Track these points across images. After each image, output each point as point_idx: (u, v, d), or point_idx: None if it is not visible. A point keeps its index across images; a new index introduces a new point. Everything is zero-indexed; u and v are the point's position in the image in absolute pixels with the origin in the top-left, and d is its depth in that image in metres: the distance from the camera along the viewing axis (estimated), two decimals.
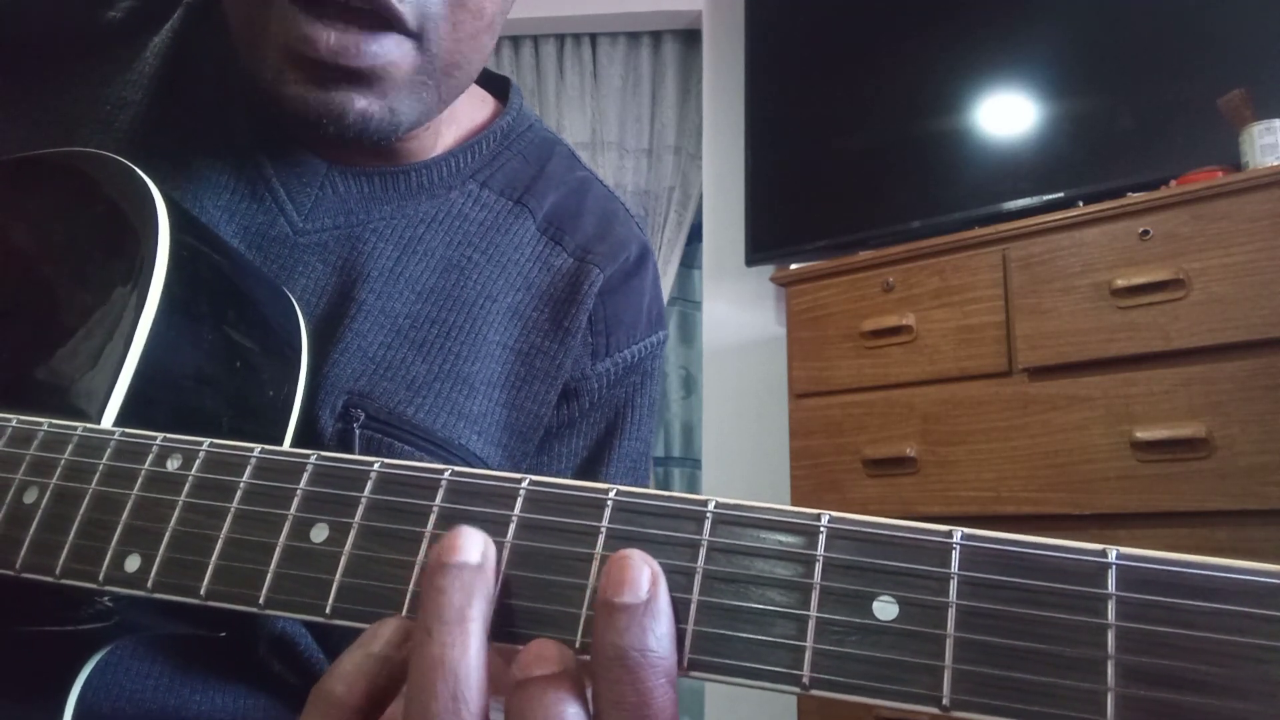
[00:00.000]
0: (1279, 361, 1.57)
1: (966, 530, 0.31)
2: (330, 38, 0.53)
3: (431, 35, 0.56)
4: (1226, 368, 1.61)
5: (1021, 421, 1.81)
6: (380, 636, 0.34)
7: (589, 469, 0.70)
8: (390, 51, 0.55)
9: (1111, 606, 0.28)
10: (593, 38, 3.28)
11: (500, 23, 0.63)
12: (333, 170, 0.65)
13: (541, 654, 0.32)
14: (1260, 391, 1.57)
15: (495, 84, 0.78)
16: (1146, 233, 1.73)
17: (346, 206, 0.65)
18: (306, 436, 0.58)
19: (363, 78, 0.55)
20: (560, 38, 3.28)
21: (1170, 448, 1.63)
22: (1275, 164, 1.69)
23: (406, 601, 0.35)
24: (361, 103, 0.56)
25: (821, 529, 0.32)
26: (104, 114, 0.63)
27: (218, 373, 0.53)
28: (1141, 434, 1.65)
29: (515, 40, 3.30)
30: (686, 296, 3.35)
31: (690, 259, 3.27)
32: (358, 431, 0.60)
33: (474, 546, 0.33)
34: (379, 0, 0.53)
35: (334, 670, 0.34)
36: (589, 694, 0.32)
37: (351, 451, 0.58)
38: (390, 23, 0.54)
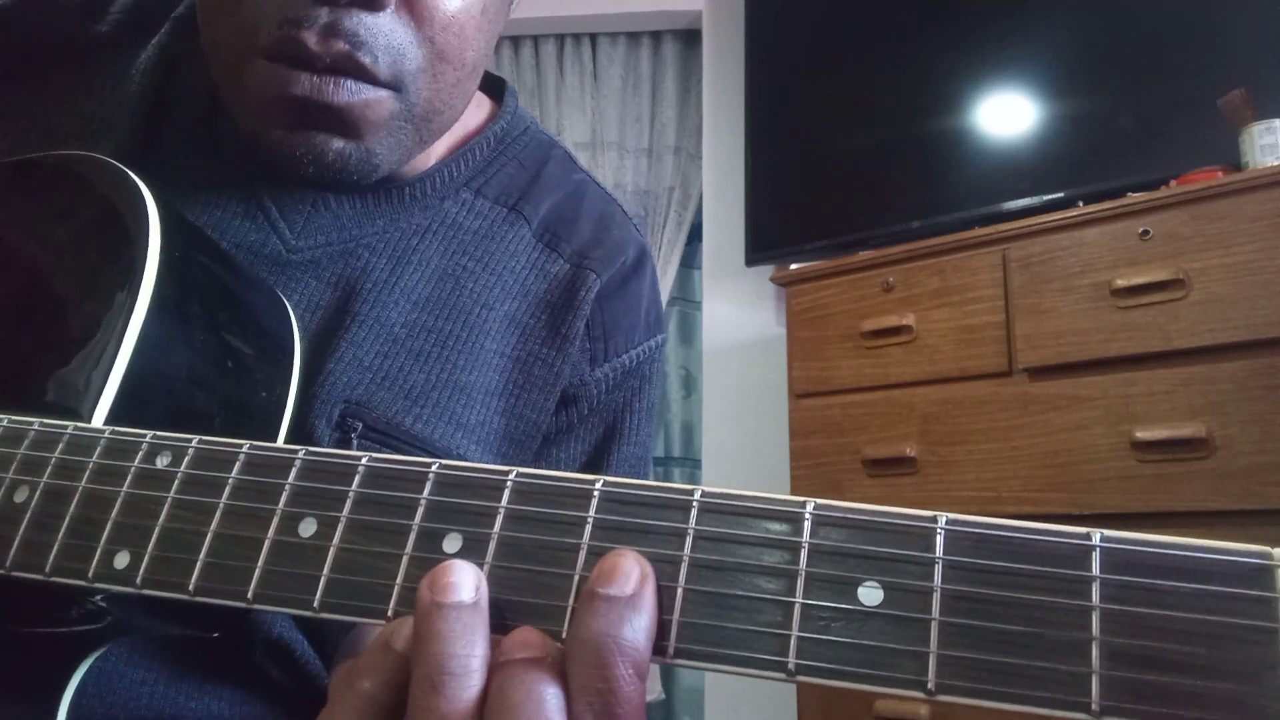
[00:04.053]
0: (1279, 361, 1.56)
1: (951, 515, 0.31)
2: (309, 79, 0.54)
3: (411, 87, 0.57)
4: (1226, 368, 1.60)
5: (1021, 421, 1.81)
6: (401, 635, 0.34)
7: (588, 472, 0.69)
8: (366, 94, 0.55)
9: (1096, 589, 0.28)
10: (593, 38, 3.28)
11: (483, 66, 0.63)
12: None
13: (525, 640, 0.33)
14: (1260, 391, 1.57)
15: (491, 85, 0.78)
16: (1146, 233, 1.72)
17: (339, 223, 0.65)
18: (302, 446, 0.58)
19: (340, 119, 0.56)
20: (560, 38, 3.28)
21: (1170, 448, 1.62)
22: (1275, 164, 1.69)
23: (394, 595, 0.35)
24: (339, 144, 0.57)
25: (807, 516, 0.32)
26: (90, 131, 0.63)
27: (209, 373, 0.53)
28: (1141, 434, 1.65)
29: (515, 40, 3.30)
30: (686, 296, 3.35)
31: (690, 259, 3.27)
32: (355, 441, 0.60)
33: (467, 583, 0.33)
34: (352, 61, 0.54)
35: (358, 666, 0.35)
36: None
37: None
38: (367, 77, 0.55)
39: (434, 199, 0.68)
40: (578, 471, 0.68)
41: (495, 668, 0.33)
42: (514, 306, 0.68)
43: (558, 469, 0.67)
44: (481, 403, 0.65)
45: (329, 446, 0.59)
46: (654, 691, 2.96)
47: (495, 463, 0.65)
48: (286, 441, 0.56)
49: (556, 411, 0.69)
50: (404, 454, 0.60)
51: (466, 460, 0.62)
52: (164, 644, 0.57)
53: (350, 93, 0.55)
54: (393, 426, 0.61)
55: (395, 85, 0.56)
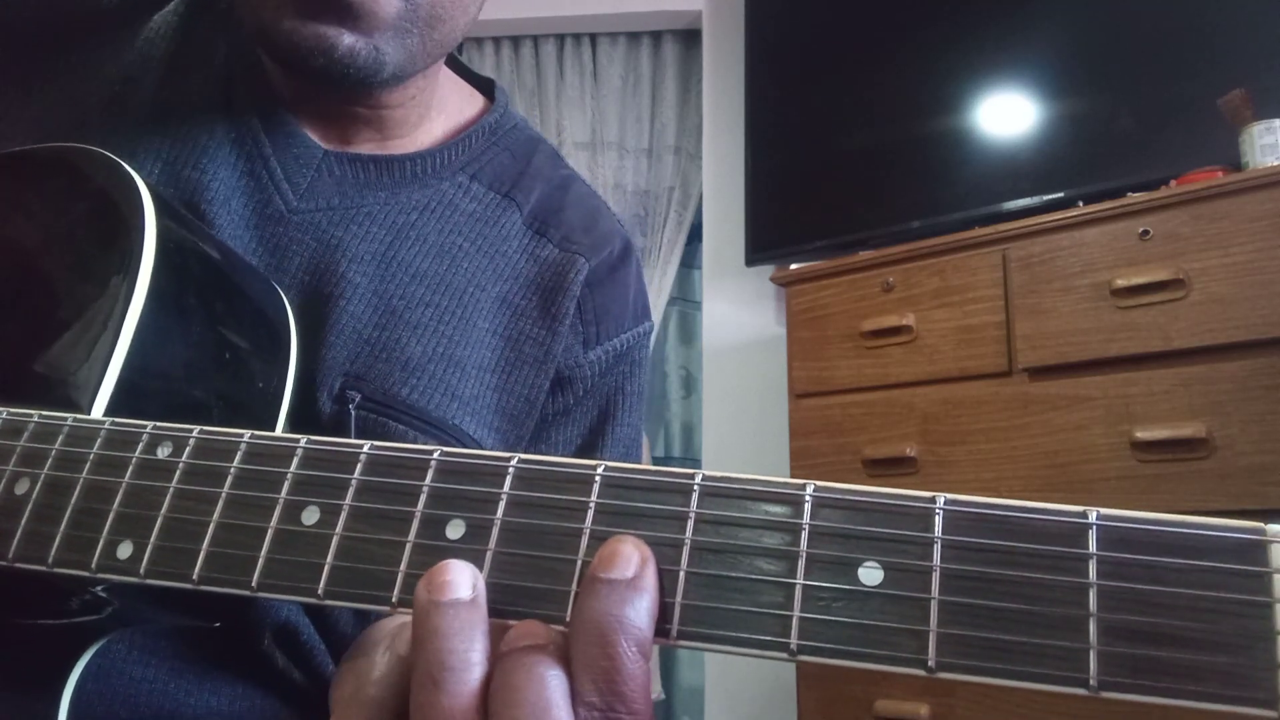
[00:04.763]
0: (1279, 362, 1.57)
1: (949, 495, 0.31)
2: None
3: None
4: (1226, 368, 1.61)
5: (1021, 421, 1.81)
6: (403, 639, 0.34)
7: (584, 455, 0.72)
8: None
9: (1093, 566, 0.29)
10: (593, 38, 3.28)
11: None
12: (329, 155, 0.67)
13: (528, 630, 0.33)
14: (1260, 391, 1.57)
15: (481, 85, 0.81)
16: (1146, 233, 1.73)
17: (341, 189, 0.67)
18: (304, 419, 0.59)
19: (349, 12, 0.58)
20: (560, 38, 3.29)
21: (1170, 448, 1.63)
22: (1275, 164, 1.69)
23: (398, 582, 0.35)
24: (349, 39, 0.59)
25: (807, 498, 0.32)
26: (114, 93, 0.66)
27: (207, 364, 0.53)
28: (1141, 434, 1.65)
29: (515, 40, 3.30)
30: (686, 296, 3.35)
31: (690, 259, 3.27)
32: (353, 413, 0.61)
33: (464, 581, 0.33)
34: None
35: (367, 675, 0.35)
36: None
37: (348, 432, 0.60)
38: None
39: (432, 179, 0.70)
40: (575, 451, 0.71)
41: (498, 658, 0.33)
42: (505, 288, 0.70)
43: (557, 449, 0.70)
44: (475, 378, 0.67)
45: (328, 418, 0.61)
46: (654, 691, 2.96)
47: (489, 436, 0.67)
48: (288, 415, 0.57)
49: (552, 394, 0.71)
50: (401, 424, 0.61)
51: (463, 431, 0.64)
52: (164, 640, 0.57)
53: None
54: (390, 398, 0.62)
55: None
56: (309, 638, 0.61)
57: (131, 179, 0.53)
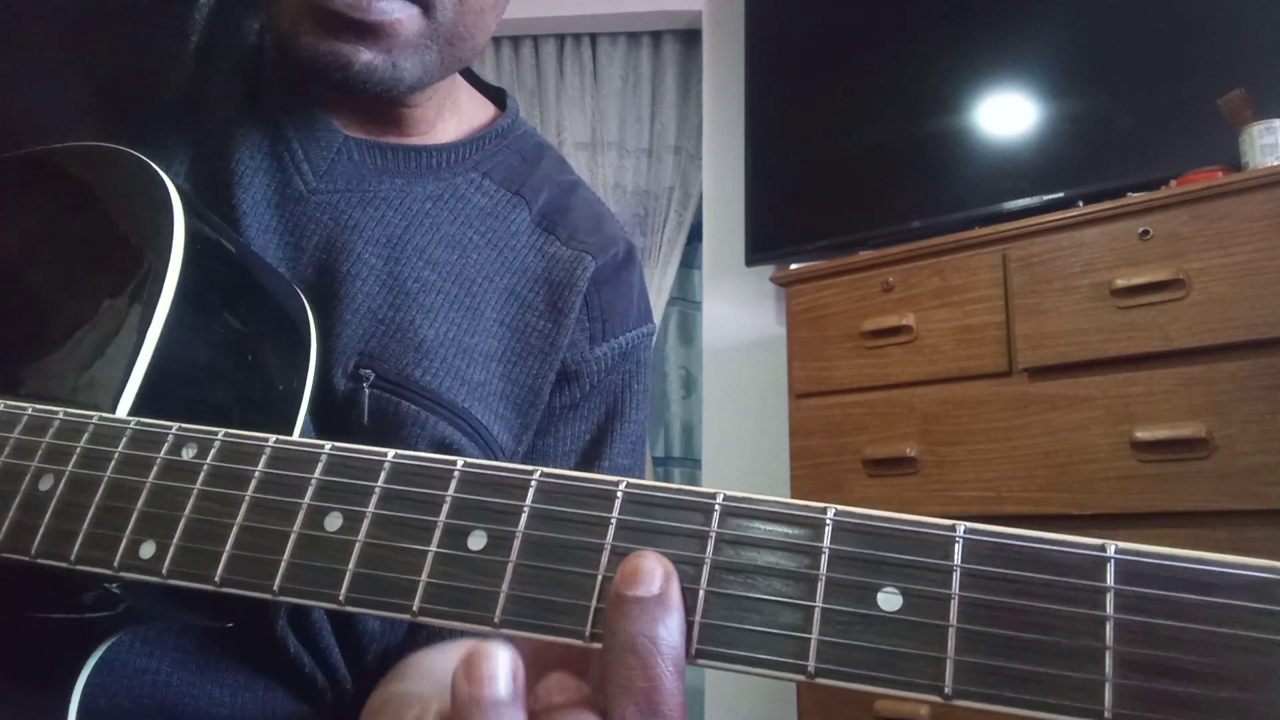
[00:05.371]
0: (1279, 362, 1.57)
1: (969, 524, 0.31)
2: None
3: (438, 6, 0.61)
4: (1226, 368, 1.61)
5: (1021, 421, 1.81)
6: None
7: (592, 451, 0.73)
8: (397, 11, 0.59)
9: (1110, 599, 0.29)
10: (593, 38, 3.28)
11: (505, 3, 0.68)
12: (349, 140, 0.69)
13: (562, 684, 0.33)
14: (1260, 391, 1.57)
15: (492, 95, 0.83)
16: (1146, 233, 1.73)
17: (360, 173, 0.69)
18: (321, 396, 0.61)
19: (370, 31, 0.59)
20: (560, 38, 3.28)
21: (1170, 448, 1.63)
22: (1275, 164, 1.70)
23: (419, 591, 0.35)
24: (367, 55, 0.60)
25: (827, 522, 0.32)
26: (145, 86, 0.67)
27: (230, 365, 0.54)
28: (1141, 434, 1.66)
29: (515, 40, 3.30)
30: (686, 296, 3.35)
31: (690, 259, 3.27)
32: (367, 391, 0.62)
33: (503, 674, 0.32)
34: None
35: None
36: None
37: (360, 410, 0.62)
38: None
39: (446, 172, 0.72)
40: (584, 447, 0.72)
41: (537, 714, 0.33)
42: (513, 281, 0.72)
43: (565, 445, 0.71)
44: (483, 365, 0.68)
45: (343, 395, 0.62)
46: None
47: (495, 422, 0.68)
48: (304, 414, 0.57)
49: (560, 389, 0.72)
50: (413, 405, 0.63)
51: (472, 415, 0.65)
52: (167, 632, 0.57)
53: (381, 12, 0.58)
54: (403, 378, 0.64)
55: (424, 3, 0.60)
56: (319, 617, 0.61)
57: (160, 179, 0.54)
